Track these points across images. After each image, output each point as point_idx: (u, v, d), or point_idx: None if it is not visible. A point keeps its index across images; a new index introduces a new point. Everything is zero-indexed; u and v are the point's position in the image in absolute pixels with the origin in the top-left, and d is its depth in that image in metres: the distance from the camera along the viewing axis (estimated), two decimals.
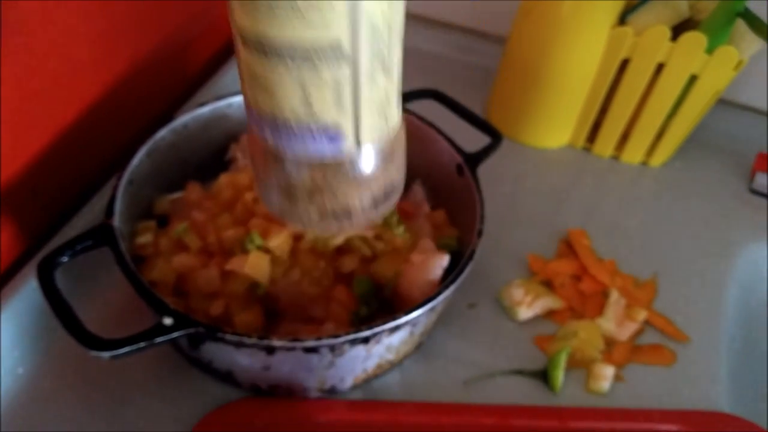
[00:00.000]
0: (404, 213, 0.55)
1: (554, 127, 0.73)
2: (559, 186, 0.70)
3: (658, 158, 0.73)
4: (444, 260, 0.49)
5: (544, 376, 0.53)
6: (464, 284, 0.47)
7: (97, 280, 0.54)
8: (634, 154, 0.73)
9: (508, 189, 0.68)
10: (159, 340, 0.40)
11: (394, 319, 0.43)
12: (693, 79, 0.65)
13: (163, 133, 0.54)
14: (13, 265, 0.53)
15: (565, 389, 0.52)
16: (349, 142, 0.34)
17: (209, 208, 0.53)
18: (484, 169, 0.55)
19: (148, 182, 0.53)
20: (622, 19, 0.65)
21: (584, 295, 0.58)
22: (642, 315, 0.56)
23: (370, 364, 0.48)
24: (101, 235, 0.46)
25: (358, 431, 0.48)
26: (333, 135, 0.33)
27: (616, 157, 0.73)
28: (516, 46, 0.70)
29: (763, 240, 0.66)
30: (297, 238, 0.49)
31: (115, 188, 0.49)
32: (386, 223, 0.52)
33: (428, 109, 0.59)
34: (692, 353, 0.55)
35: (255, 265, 0.47)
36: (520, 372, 0.53)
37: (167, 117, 0.56)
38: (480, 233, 0.50)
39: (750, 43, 0.63)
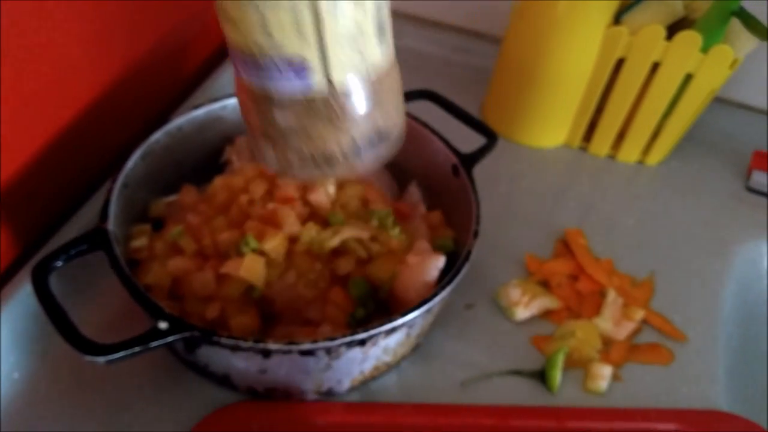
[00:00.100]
0: (400, 214, 0.55)
1: (550, 126, 0.73)
2: (556, 186, 0.70)
3: (655, 157, 0.73)
4: (440, 261, 0.49)
5: (541, 376, 0.52)
6: (461, 285, 0.47)
7: (92, 285, 0.54)
8: (630, 153, 0.73)
9: (504, 189, 0.68)
10: (154, 344, 0.40)
11: (391, 321, 0.43)
12: (688, 78, 0.65)
13: (157, 135, 0.54)
14: (7, 270, 0.53)
15: (563, 389, 0.52)
16: (318, 78, 0.33)
17: (204, 211, 0.53)
18: (479, 170, 0.55)
19: (143, 185, 0.53)
20: (617, 19, 0.65)
21: (581, 295, 0.58)
22: (639, 314, 0.56)
23: (367, 366, 0.48)
24: (96, 239, 0.46)
25: None
26: (298, 68, 0.33)
27: (612, 157, 0.73)
28: (511, 46, 0.70)
29: (760, 238, 0.66)
30: (292, 240, 0.49)
31: (110, 192, 0.49)
32: (382, 224, 0.52)
33: (423, 109, 0.59)
34: (690, 352, 0.55)
35: (250, 268, 0.46)
36: (517, 372, 0.53)
37: (162, 119, 0.56)
38: (476, 234, 0.49)
39: (745, 41, 0.63)
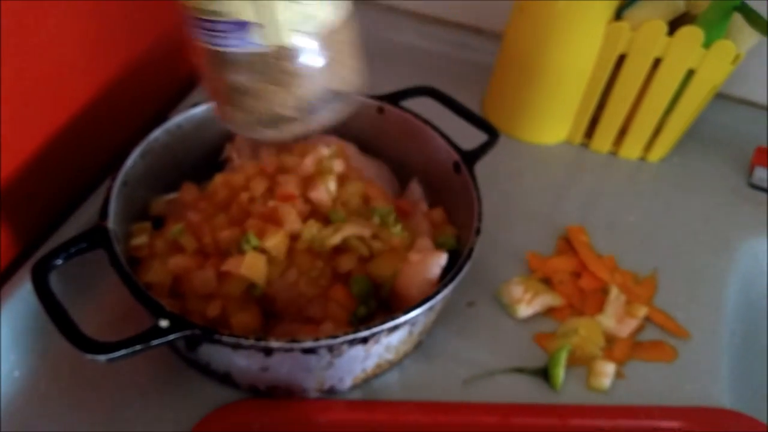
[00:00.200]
0: (401, 211, 0.55)
1: (551, 123, 0.73)
2: (557, 182, 0.69)
3: (657, 153, 0.72)
4: (442, 259, 0.48)
5: (544, 373, 0.52)
6: (463, 282, 0.47)
7: (92, 283, 0.54)
8: (632, 149, 0.72)
9: (505, 186, 0.68)
10: (155, 342, 0.40)
11: (393, 318, 0.43)
12: (690, 74, 0.65)
13: (156, 133, 0.54)
14: (7, 269, 0.52)
15: (566, 387, 0.52)
16: (266, 37, 0.33)
17: (204, 208, 0.52)
18: (481, 167, 0.54)
19: (143, 183, 0.53)
20: (619, 14, 0.65)
21: (584, 292, 0.58)
22: (642, 311, 0.56)
23: (369, 364, 0.48)
24: (96, 237, 0.45)
25: (357, 431, 0.48)
26: (246, 28, 0.33)
27: (614, 153, 0.73)
28: (512, 42, 0.70)
29: (762, 234, 0.65)
30: (293, 238, 0.49)
31: (110, 190, 0.49)
32: (383, 222, 0.51)
33: (424, 106, 0.59)
34: (693, 349, 0.55)
35: (251, 266, 0.46)
36: (520, 370, 0.53)
37: (161, 118, 0.55)
38: (478, 231, 0.49)
39: (747, 37, 0.63)
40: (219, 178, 0.54)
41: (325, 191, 0.51)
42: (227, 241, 0.49)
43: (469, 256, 0.47)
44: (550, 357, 0.52)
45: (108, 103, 0.59)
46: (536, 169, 0.71)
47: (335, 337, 0.42)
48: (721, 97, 0.73)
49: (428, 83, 0.60)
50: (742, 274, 0.63)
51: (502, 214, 0.63)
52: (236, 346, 0.43)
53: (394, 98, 0.60)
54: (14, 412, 0.47)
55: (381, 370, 0.50)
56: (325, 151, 0.54)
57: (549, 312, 0.56)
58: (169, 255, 0.49)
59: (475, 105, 0.75)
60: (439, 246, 0.52)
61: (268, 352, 0.43)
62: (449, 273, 0.47)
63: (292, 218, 0.49)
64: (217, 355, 0.45)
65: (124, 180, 0.50)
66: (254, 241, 0.47)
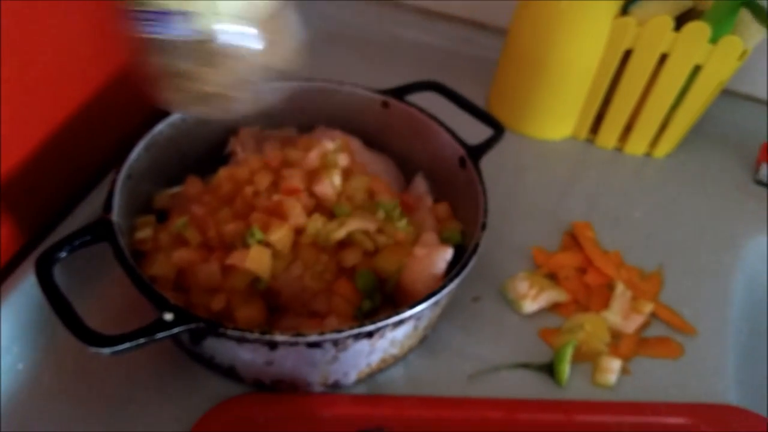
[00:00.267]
0: (406, 206, 0.55)
1: (557, 118, 0.72)
2: (562, 178, 0.69)
3: (662, 149, 0.72)
4: (448, 253, 0.48)
5: (549, 369, 0.52)
6: (468, 277, 0.47)
7: (96, 276, 0.54)
8: (637, 145, 0.72)
9: (510, 181, 0.68)
10: (160, 335, 0.40)
11: (398, 313, 0.43)
12: (697, 70, 0.65)
13: (161, 127, 0.54)
14: (11, 261, 0.52)
15: (571, 383, 0.52)
16: (197, 22, 0.35)
17: (209, 202, 0.52)
18: (485, 162, 0.54)
19: (147, 177, 0.53)
20: (625, 9, 0.64)
21: (589, 288, 0.57)
22: (648, 307, 0.56)
23: (374, 359, 0.48)
24: (100, 230, 0.45)
25: (362, 426, 0.47)
26: (180, 15, 0.34)
27: (619, 149, 0.73)
28: (517, 38, 0.69)
29: None
30: (298, 231, 0.49)
31: (114, 183, 0.49)
32: (389, 216, 0.51)
33: (429, 101, 0.59)
34: (699, 345, 0.55)
35: (256, 260, 0.46)
36: (525, 365, 0.52)
37: (166, 111, 0.55)
38: (484, 226, 0.49)
39: (754, 32, 0.63)
40: (223, 172, 0.54)
41: (330, 185, 0.51)
42: (232, 235, 0.48)
43: (474, 250, 0.47)
44: (556, 352, 0.52)
45: (112, 96, 0.59)
46: (541, 165, 0.70)
47: (340, 331, 0.42)
48: (726, 93, 0.73)
49: (433, 79, 0.60)
50: (748, 270, 0.62)
51: (506, 209, 0.63)
52: (241, 340, 0.42)
53: (399, 93, 0.59)
54: (17, 405, 0.47)
55: (386, 365, 0.50)
56: (329, 145, 0.54)
57: (554, 307, 0.56)
58: (174, 248, 0.49)
59: (480, 101, 0.75)
60: (444, 241, 0.52)
61: (273, 346, 0.43)
62: (455, 268, 0.47)
63: (296, 212, 0.49)
64: (221, 348, 0.45)
65: (129, 173, 0.50)
66: (259, 234, 0.47)
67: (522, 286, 0.55)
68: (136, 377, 0.49)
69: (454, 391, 0.50)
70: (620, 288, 0.56)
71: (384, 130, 0.61)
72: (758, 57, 0.66)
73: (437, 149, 0.57)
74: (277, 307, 0.49)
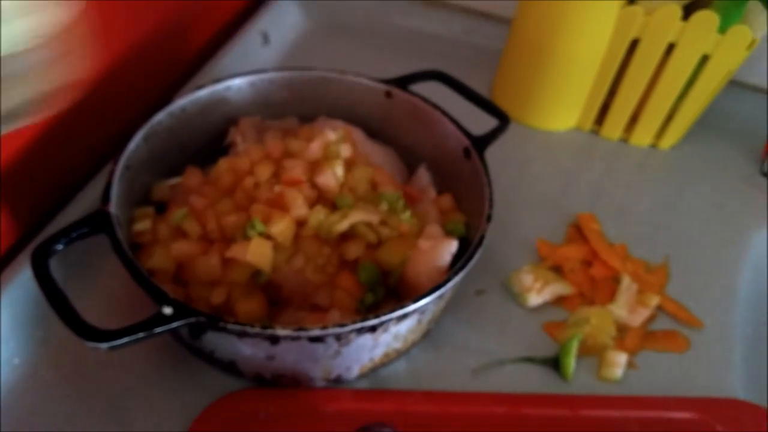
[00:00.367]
0: (409, 198, 0.54)
1: (561, 109, 0.71)
2: (567, 169, 0.68)
3: (668, 141, 0.71)
4: (453, 246, 0.47)
5: (554, 363, 0.51)
6: (472, 270, 0.46)
7: (93, 269, 0.53)
8: (643, 136, 0.71)
9: (514, 173, 0.67)
10: (159, 330, 0.39)
11: (403, 307, 0.42)
12: (704, 60, 0.64)
13: (160, 116, 0.53)
14: (7, 254, 0.52)
15: (577, 377, 0.51)
16: None
17: (209, 193, 0.51)
18: (489, 153, 0.53)
19: (146, 167, 0.52)
20: None
21: (595, 281, 0.56)
22: (654, 300, 0.55)
23: (377, 353, 0.47)
24: (97, 221, 0.44)
25: (365, 421, 0.47)
26: None
27: (624, 140, 0.72)
28: (522, 27, 0.68)
29: None
30: (300, 224, 0.48)
31: (112, 174, 0.48)
32: (392, 208, 0.50)
33: (432, 92, 0.57)
34: (706, 339, 0.54)
35: (257, 253, 0.45)
36: (530, 359, 0.52)
37: (165, 100, 0.54)
38: (489, 218, 0.48)
39: (763, 22, 0.62)
40: (223, 163, 0.53)
41: (333, 176, 0.50)
42: (232, 227, 0.48)
43: (480, 243, 0.46)
44: (561, 346, 0.51)
45: (110, 86, 0.58)
46: (545, 156, 0.69)
47: (343, 325, 0.41)
48: (733, 84, 0.71)
49: (436, 68, 0.59)
50: (755, 263, 0.61)
51: (510, 201, 0.62)
52: (242, 334, 0.42)
53: (403, 82, 0.58)
54: (14, 400, 0.46)
55: (389, 359, 0.49)
56: (331, 135, 0.53)
57: (559, 301, 0.55)
58: (173, 241, 0.48)
59: (484, 91, 0.74)
60: (448, 233, 0.51)
61: (275, 340, 0.42)
62: (460, 260, 0.46)
63: (298, 204, 0.48)
64: (221, 343, 0.44)
65: (127, 164, 0.49)
66: (260, 226, 0.46)
67: (527, 279, 0.55)
68: (135, 372, 0.48)
69: (457, 386, 0.50)
70: (626, 281, 0.56)
71: (387, 120, 0.60)
72: (765, 47, 0.65)
73: (441, 140, 0.56)
74: (278, 301, 0.48)
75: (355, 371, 0.48)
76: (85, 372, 0.48)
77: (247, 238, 0.46)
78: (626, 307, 0.54)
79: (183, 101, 0.55)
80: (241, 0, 0.79)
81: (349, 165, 0.52)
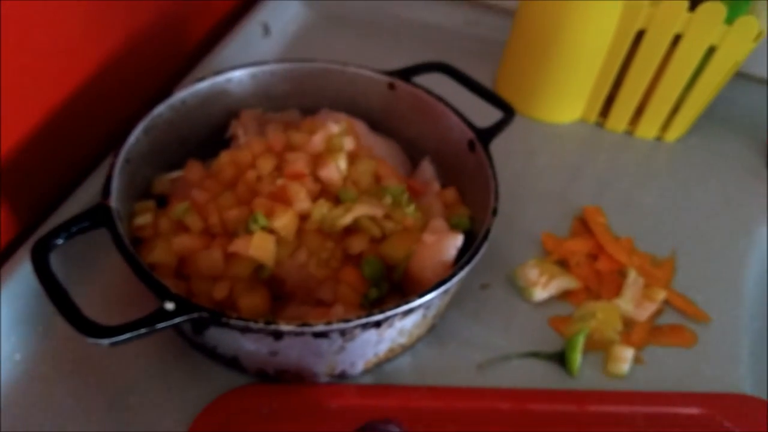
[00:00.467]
0: (413, 191, 0.53)
1: (566, 101, 0.71)
2: (572, 162, 0.68)
3: (674, 133, 0.70)
4: (458, 240, 0.47)
5: (560, 358, 0.51)
6: (476, 264, 0.45)
7: (94, 264, 0.52)
8: (648, 128, 0.70)
9: (518, 166, 0.66)
10: (161, 326, 0.39)
11: (408, 302, 0.41)
12: (711, 51, 0.63)
13: (160, 109, 0.52)
14: (7, 248, 0.51)
15: (583, 372, 0.50)
16: None
17: (210, 187, 0.51)
18: (491, 146, 0.52)
19: (146, 161, 0.51)
20: None
21: (601, 275, 0.56)
22: (661, 295, 0.54)
23: (382, 348, 0.46)
24: (98, 215, 0.44)
25: (369, 417, 0.46)
26: None
27: (629, 132, 0.71)
28: (526, 18, 0.67)
29: None
30: (303, 217, 0.47)
31: (112, 167, 0.47)
32: (396, 201, 0.50)
33: (436, 84, 0.57)
34: (713, 333, 0.54)
35: (260, 247, 0.45)
36: (535, 354, 0.51)
37: (165, 93, 0.53)
38: (495, 211, 0.47)
39: None
40: (225, 156, 0.52)
41: (336, 169, 0.49)
42: (234, 221, 0.47)
43: (485, 237, 0.46)
44: (567, 341, 0.51)
45: (110, 78, 0.58)
46: (550, 149, 0.69)
47: (348, 320, 0.41)
48: (739, 76, 0.71)
49: (439, 60, 0.58)
50: (761, 256, 0.61)
51: (514, 194, 0.62)
52: (245, 330, 0.41)
53: (406, 74, 0.57)
54: (15, 396, 0.46)
55: (393, 355, 0.49)
56: (334, 128, 0.52)
57: (565, 295, 0.55)
58: (174, 235, 0.48)
59: (487, 83, 0.72)
60: (452, 227, 0.50)
61: (278, 335, 0.41)
62: (465, 255, 0.45)
63: (301, 197, 0.47)
64: (224, 338, 0.44)
65: (127, 157, 0.49)
66: (262, 220, 0.45)
67: (532, 273, 0.54)
68: (137, 367, 0.48)
69: (462, 381, 0.49)
70: (633, 275, 0.55)
71: (389, 112, 0.59)
72: None
73: (445, 132, 0.56)
74: (281, 296, 0.47)
75: (360, 367, 0.47)
76: (86, 367, 0.47)
77: (249, 232, 0.45)
78: (633, 302, 0.54)
79: (183, 93, 0.54)
80: None
81: (352, 158, 0.52)
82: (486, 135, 0.53)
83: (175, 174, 0.53)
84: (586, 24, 0.64)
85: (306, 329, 0.40)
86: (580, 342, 0.50)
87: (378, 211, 0.48)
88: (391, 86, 0.58)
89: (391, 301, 0.45)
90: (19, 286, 0.47)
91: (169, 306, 0.39)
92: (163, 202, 0.52)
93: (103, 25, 0.56)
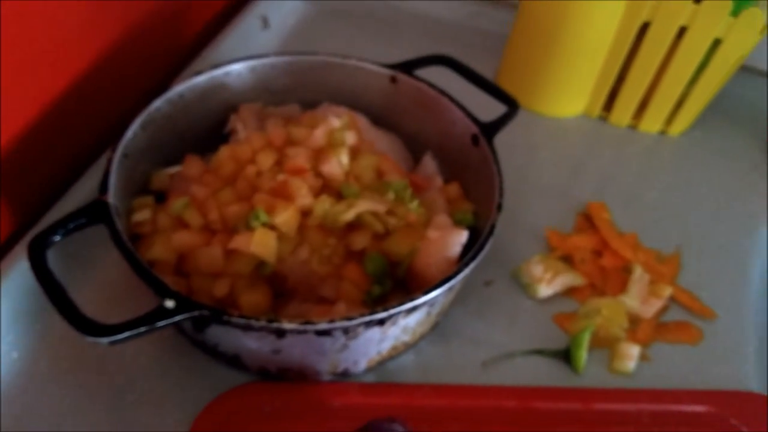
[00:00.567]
0: (416, 187, 0.52)
1: (569, 95, 0.70)
2: (575, 157, 0.67)
3: (678, 127, 0.70)
4: (463, 236, 0.46)
5: (565, 355, 0.50)
6: (481, 261, 0.45)
7: (92, 260, 0.51)
8: (652, 122, 0.70)
9: (521, 160, 0.65)
10: (161, 324, 0.38)
11: (413, 299, 0.41)
12: (716, 44, 0.62)
13: (158, 103, 0.51)
14: (4, 245, 0.50)
15: (588, 370, 0.50)
16: None
17: (210, 182, 0.50)
18: (495, 140, 0.52)
19: (144, 156, 0.50)
20: None
21: (606, 271, 0.55)
22: (667, 291, 0.54)
23: (385, 346, 0.46)
24: (95, 212, 0.43)
25: (372, 415, 0.45)
26: None
27: (633, 126, 0.71)
28: (529, 10, 0.66)
29: None
30: (305, 213, 0.47)
31: (109, 162, 0.46)
32: (399, 197, 0.49)
33: (439, 77, 0.56)
34: (719, 330, 0.53)
35: (261, 243, 0.44)
36: (540, 352, 0.51)
37: (162, 87, 0.53)
38: (500, 207, 0.47)
39: None
40: (224, 151, 0.51)
41: (338, 164, 0.49)
42: (235, 217, 0.46)
43: (491, 232, 0.45)
44: (572, 339, 0.50)
45: (107, 72, 0.57)
46: (553, 144, 0.68)
47: (351, 318, 0.40)
48: (743, 70, 0.70)
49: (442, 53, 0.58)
50: (766, 251, 0.60)
51: (518, 189, 0.60)
52: (247, 328, 0.40)
53: (408, 67, 0.57)
54: (13, 395, 0.45)
55: (397, 353, 0.48)
56: (336, 122, 0.52)
57: (569, 292, 0.54)
58: (173, 231, 0.47)
59: (489, 77, 0.72)
60: (456, 223, 0.50)
61: (281, 334, 0.41)
62: (470, 251, 0.44)
63: (303, 193, 0.46)
64: (226, 336, 0.43)
65: (125, 152, 0.48)
66: (263, 216, 0.45)
67: (537, 269, 0.53)
68: (137, 366, 0.47)
69: (466, 379, 0.48)
70: (638, 271, 0.54)
71: (391, 106, 0.58)
72: None
73: (448, 127, 0.55)
74: (282, 293, 0.47)
75: (363, 365, 0.47)
76: (85, 366, 0.47)
77: (250, 228, 0.45)
78: (638, 298, 0.53)
79: (181, 87, 0.53)
80: None
81: (354, 153, 0.51)
82: (490, 129, 0.52)
83: (174, 169, 0.53)
84: (590, 16, 0.63)
85: (309, 327, 0.40)
86: (586, 339, 0.50)
87: (381, 207, 0.47)
88: (393, 79, 0.57)
89: (394, 299, 0.45)
90: (16, 284, 0.46)
91: (169, 304, 0.39)
92: (161, 197, 0.51)
93: (99, 19, 0.55)
